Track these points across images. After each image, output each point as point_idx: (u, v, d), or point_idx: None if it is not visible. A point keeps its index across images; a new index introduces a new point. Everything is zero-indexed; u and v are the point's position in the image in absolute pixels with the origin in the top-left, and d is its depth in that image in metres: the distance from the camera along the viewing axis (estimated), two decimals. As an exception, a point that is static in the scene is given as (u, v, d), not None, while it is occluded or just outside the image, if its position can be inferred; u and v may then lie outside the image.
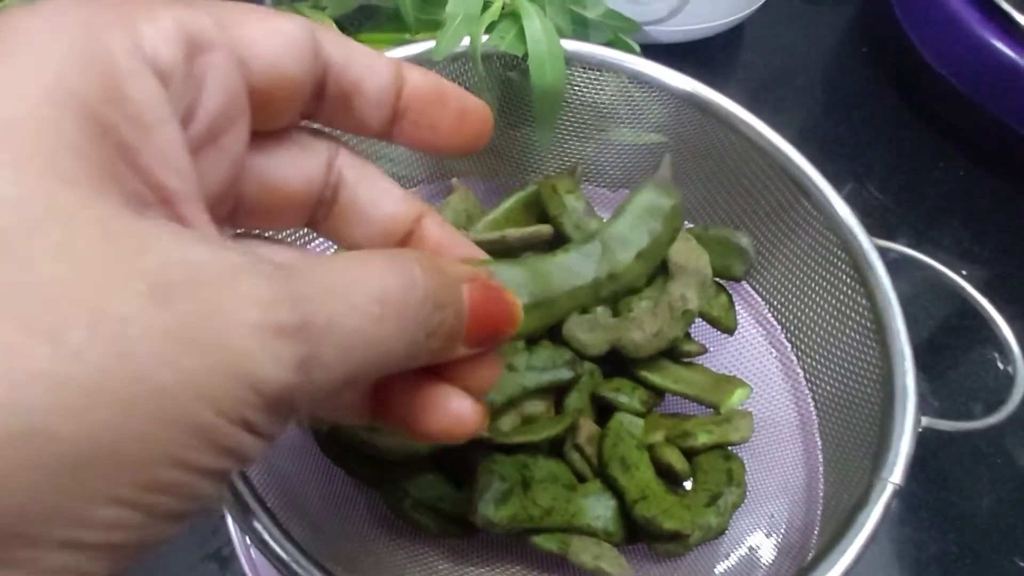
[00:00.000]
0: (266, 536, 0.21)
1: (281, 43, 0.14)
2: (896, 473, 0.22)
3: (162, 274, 0.10)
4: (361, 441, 0.26)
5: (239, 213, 0.15)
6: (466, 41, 0.32)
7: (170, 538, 0.11)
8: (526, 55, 0.31)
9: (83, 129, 0.10)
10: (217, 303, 0.10)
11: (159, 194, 0.12)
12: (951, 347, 0.42)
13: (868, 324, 0.27)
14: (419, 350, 0.13)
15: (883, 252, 0.29)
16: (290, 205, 0.16)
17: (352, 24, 0.41)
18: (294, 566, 0.21)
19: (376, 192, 0.17)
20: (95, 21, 0.11)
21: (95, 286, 0.09)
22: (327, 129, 0.17)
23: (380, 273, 0.13)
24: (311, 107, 0.15)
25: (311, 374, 0.11)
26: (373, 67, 0.15)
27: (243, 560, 0.31)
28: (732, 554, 0.28)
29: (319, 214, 0.17)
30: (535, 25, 0.31)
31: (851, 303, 0.28)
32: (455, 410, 0.15)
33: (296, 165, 0.16)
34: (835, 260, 0.29)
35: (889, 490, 0.22)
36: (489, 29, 0.32)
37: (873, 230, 0.47)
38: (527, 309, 0.17)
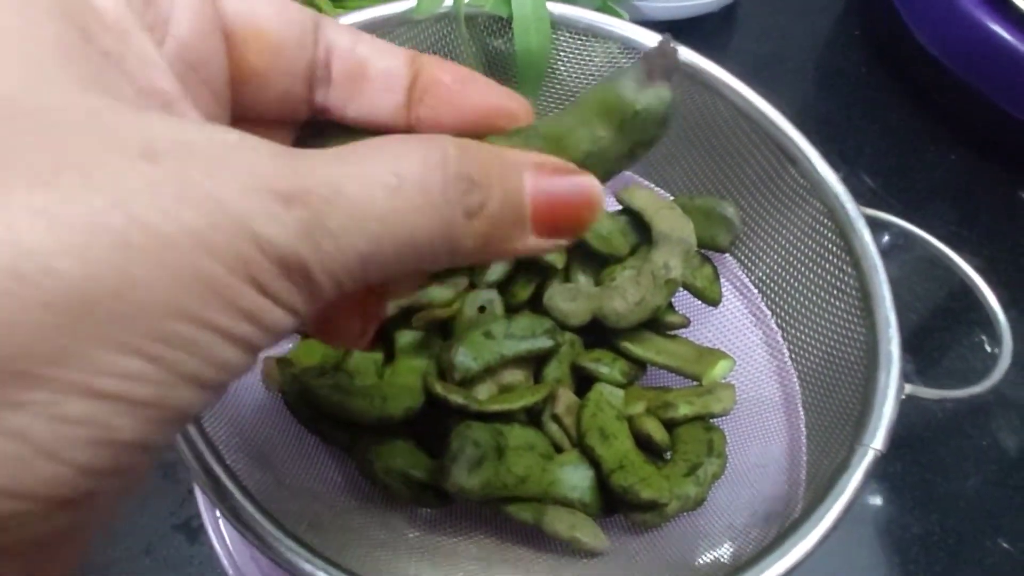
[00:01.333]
0: (231, 488, 0.20)
1: (263, 1, 0.14)
2: (878, 439, 0.22)
3: (155, 143, 0.10)
4: (334, 404, 0.26)
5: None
6: (449, 1, 0.31)
7: (197, 408, 0.10)
8: (511, 17, 0.31)
9: (66, 36, 0.10)
10: (211, 167, 0.10)
11: (156, 98, 0.12)
12: (940, 329, 0.42)
13: (853, 292, 0.27)
14: (458, 231, 0.12)
15: (875, 230, 0.28)
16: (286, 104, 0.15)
17: (336, -10, 0.40)
18: (253, 525, 0.20)
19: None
20: None
21: (88, 148, 0.09)
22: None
23: (395, 147, 0.12)
24: (320, 93, 0.15)
25: (320, 243, 0.11)
26: (384, 51, 0.15)
27: (211, 531, 0.30)
28: (713, 526, 0.27)
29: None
30: (520, -14, 0.30)
31: (836, 271, 0.28)
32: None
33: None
34: (821, 228, 0.29)
35: (870, 455, 0.22)
36: (473, -11, 0.31)
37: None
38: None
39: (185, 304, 0.10)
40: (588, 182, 0.14)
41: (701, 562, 0.26)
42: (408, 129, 0.16)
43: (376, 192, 0.11)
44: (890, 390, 0.23)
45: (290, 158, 0.11)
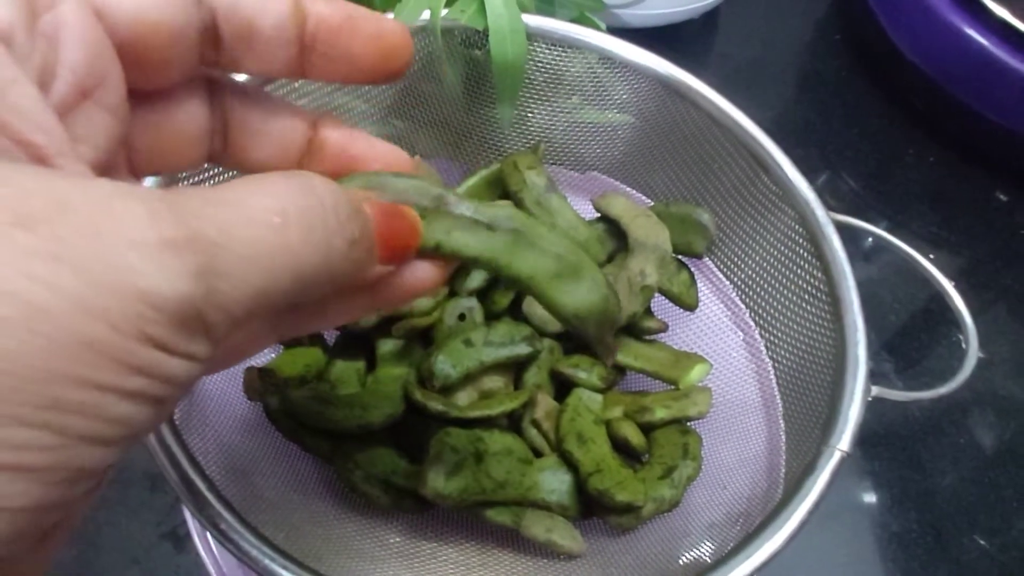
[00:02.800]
0: (210, 498, 0.21)
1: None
2: (844, 440, 0.22)
3: (25, 204, 0.09)
4: (314, 413, 0.26)
5: (134, 162, 0.15)
6: (426, 15, 0.31)
7: (102, 463, 0.10)
8: (487, 29, 0.31)
9: None
10: (90, 224, 0.10)
11: (29, 152, 0.11)
12: (918, 331, 0.43)
13: (824, 297, 0.27)
14: (341, 260, 0.13)
15: (854, 237, 0.29)
16: (185, 146, 0.16)
17: (319, 3, 0.41)
18: (231, 534, 0.20)
19: (264, 109, 0.17)
20: None
21: None
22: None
23: (276, 186, 0.12)
24: (209, 55, 0.15)
25: (215, 284, 0.11)
26: (265, 3, 0.15)
27: (197, 540, 0.31)
28: (690, 527, 0.28)
29: (216, 145, 0.16)
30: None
31: (808, 276, 0.28)
32: (419, 275, 0.16)
33: (184, 109, 0.16)
34: (793, 235, 0.29)
35: (836, 457, 0.22)
36: (450, 3, 0.32)
37: (845, 216, 0.48)
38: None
39: (67, 369, 0.09)
40: (410, 211, 0.16)
41: (679, 563, 0.26)
42: (300, 76, 0.16)
43: (263, 232, 0.12)
44: (856, 393, 0.23)
45: (172, 203, 0.11)
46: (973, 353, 0.26)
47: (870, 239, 0.49)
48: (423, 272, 0.16)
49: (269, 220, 0.12)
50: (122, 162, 0.15)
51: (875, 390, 0.24)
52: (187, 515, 0.31)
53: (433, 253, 0.17)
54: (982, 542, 0.35)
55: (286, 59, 0.15)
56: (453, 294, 0.31)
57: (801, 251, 0.29)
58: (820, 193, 0.49)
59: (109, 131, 0.13)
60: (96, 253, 0.10)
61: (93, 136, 0.13)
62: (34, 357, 0.09)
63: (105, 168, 0.14)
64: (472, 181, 0.34)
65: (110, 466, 0.11)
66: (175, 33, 0.14)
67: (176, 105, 0.16)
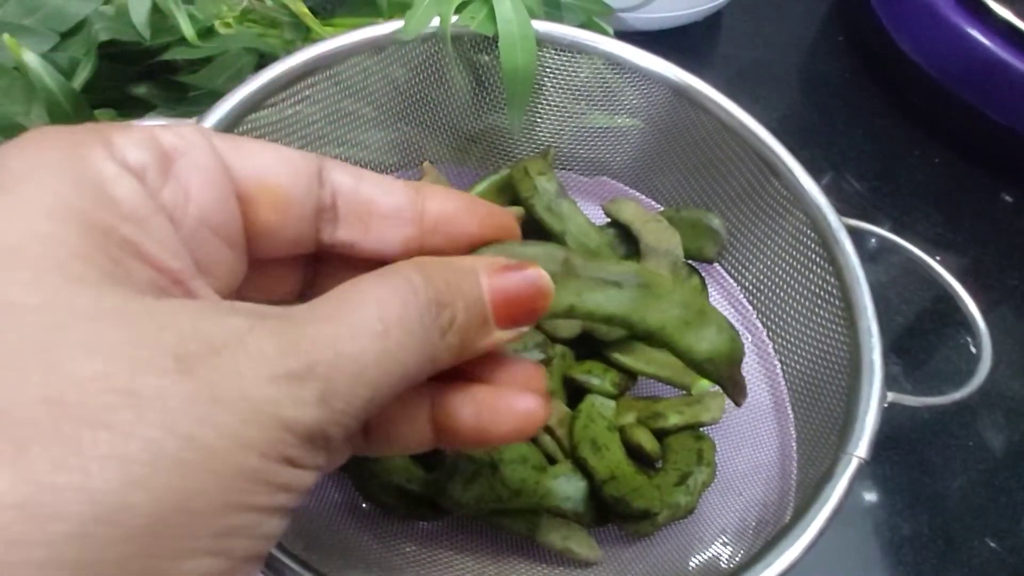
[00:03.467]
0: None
1: (274, 160, 0.15)
2: (861, 447, 0.22)
3: (181, 346, 0.11)
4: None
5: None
6: (436, 21, 0.31)
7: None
8: (496, 36, 0.31)
9: (86, 235, 0.12)
10: (234, 365, 0.11)
11: (169, 276, 0.13)
12: (926, 332, 0.43)
13: (837, 302, 0.27)
14: (437, 351, 0.14)
15: (860, 238, 0.29)
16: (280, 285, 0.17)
17: (325, 9, 0.41)
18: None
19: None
20: (76, 142, 0.13)
21: (129, 371, 0.10)
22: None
23: (374, 291, 0.13)
24: (327, 232, 0.16)
25: (333, 406, 0.12)
26: (388, 188, 0.16)
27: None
28: (705, 533, 0.28)
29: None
30: (506, 5, 0.31)
31: (820, 281, 0.28)
32: (522, 408, 0.16)
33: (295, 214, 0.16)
34: (805, 239, 0.29)
35: (854, 464, 0.22)
36: (459, 9, 0.32)
37: (850, 216, 0.48)
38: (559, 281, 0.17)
39: (233, 498, 0.11)
40: (537, 273, 0.16)
41: (692, 569, 0.27)
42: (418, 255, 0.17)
43: (367, 343, 0.13)
44: (873, 399, 0.23)
45: (291, 332, 0.12)
46: (987, 357, 0.26)
47: (874, 240, 0.49)
48: (524, 404, 0.16)
49: (373, 329, 0.13)
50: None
51: (890, 396, 0.24)
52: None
53: (567, 314, 0.17)
54: (993, 544, 0.35)
55: (403, 239, 0.16)
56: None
57: (813, 255, 0.29)
58: (825, 191, 0.49)
59: (231, 265, 0.15)
60: (242, 391, 0.11)
61: (216, 266, 0.14)
62: (213, 494, 0.11)
63: (228, 295, 0.15)
64: (482, 187, 0.34)
65: None
66: (290, 197, 0.15)
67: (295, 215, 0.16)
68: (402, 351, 0.13)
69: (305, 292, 0.18)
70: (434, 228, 0.16)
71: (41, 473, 0.09)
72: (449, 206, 0.17)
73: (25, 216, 0.11)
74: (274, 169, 0.15)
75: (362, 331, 0.13)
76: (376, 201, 0.16)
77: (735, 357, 0.19)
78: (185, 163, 0.14)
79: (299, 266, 0.18)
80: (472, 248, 0.17)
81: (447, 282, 0.14)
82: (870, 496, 0.36)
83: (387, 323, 0.13)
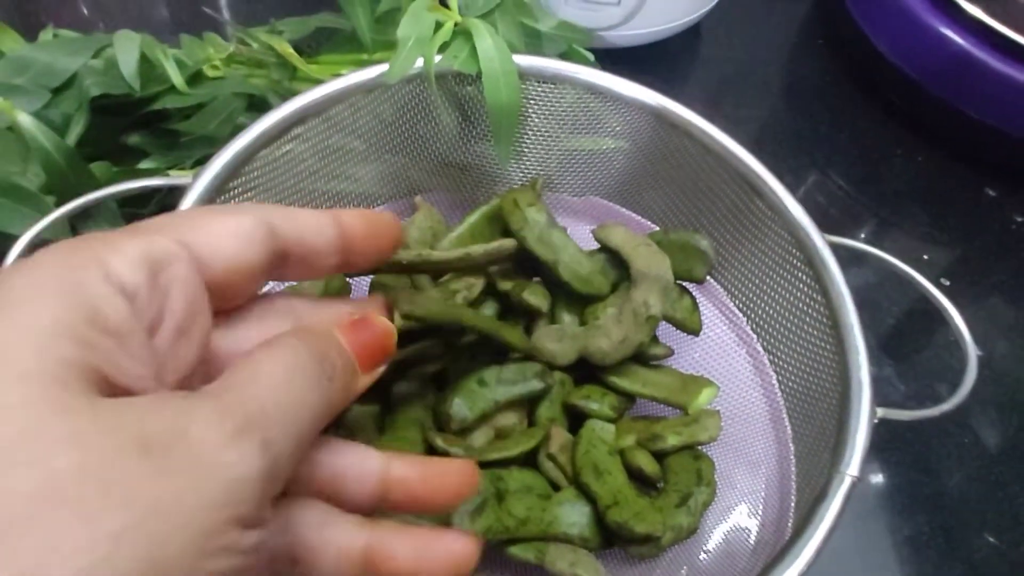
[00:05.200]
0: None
1: (236, 243, 0.17)
2: (853, 466, 0.23)
3: (143, 434, 0.13)
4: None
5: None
6: (420, 62, 0.32)
7: None
8: (480, 73, 0.32)
9: (72, 348, 0.13)
10: (183, 437, 0.13)
11: (137, 381, 0.15)
12: (916, 332, 0.43)
13: (825, 320, 0.28)
14: (330, 393, 0.17)
15: (843, 246, 0.30)
16: None
17: (309, 47, 0.42)
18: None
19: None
20: (72, 263, 0.14)
21: (101, 461, 0.12)
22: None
23: (270, 357, 0.16)
24: (277, 273, 0.18)
25: (272, 448, 0.14)
26: (320, 228, 0.19)
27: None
28: (707, 552, 0.28)
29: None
30: (487, 43, 0.32)
31: (808, 300, 0.29)
32: (450, 548, 0.18)
33: (257, 330, 0.19)
34: (791, 259, 0.30)
35: (847, 483, 0.23)
36: (442, 49, 0.32)
37: (837, 219, 0.49)
38: None
39: (197, 563, 0.12)
40: (381, 321, 0.19)
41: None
42: (346, 270, 0.21)
43: (281, 395, 0.15)
44: (862, 418, 0.24)
45: (226, 400, 0.14)
46: (972, 367, 0.27)
47: (863, 237, 0.50)
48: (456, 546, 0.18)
49: (280, 383, 0.15)
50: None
51: (880, 412, 0.25)
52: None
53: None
54: (992, 540, 0.36)
55: (336, 262, 0.19)
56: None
57: (799, 274, 0.30)
58: (811, 194, 0.50)
59: (191, 358, 0.17)
60: (196, 459, 0.13)
61: (179, 362, 0.16)
62: (181, 557, 0.12)
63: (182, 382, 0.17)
64: (473, 218, 0.35)
65: None
66: (256, 267, 0.17)
67: (257, 331, 0.19)
68: (307, 395, 0.16)
69: None
70: (351, 248, 0.19)
71: (23, 562, 0.11)
72: (360, 229, 0.19)
73: (24, 331, 0.13)
74: (240, 250, 0.17)
75: (273, 386, 0.15)
76: (314, 243, 0.18)
77: None
78: (167, 276, 0.16)
79: None
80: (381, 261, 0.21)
81: (317, 341, 0.17)
82: (870, 500, 0.37)
83: (290, 375, 0.16)
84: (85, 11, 0.55)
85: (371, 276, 0.34)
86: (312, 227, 0.18)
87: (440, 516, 0.27)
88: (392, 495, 0.19)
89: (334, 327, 0.18)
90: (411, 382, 0.30)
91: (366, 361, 0.19)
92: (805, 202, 0.30)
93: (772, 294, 0.32)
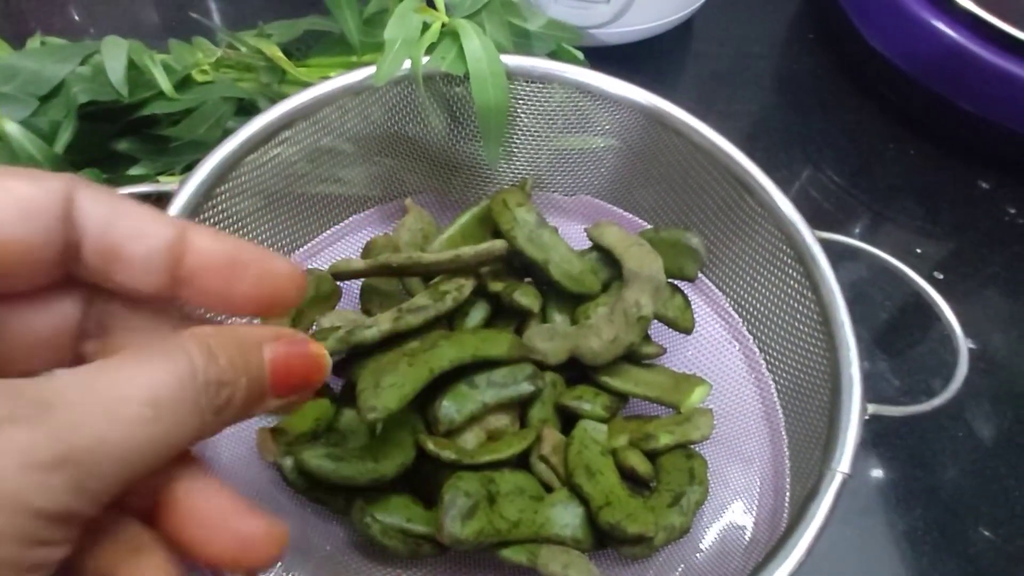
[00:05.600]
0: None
1: (15, 215, 0.14)
2: (844, 463, 0.23)
3: None
4: (328, 473, 0.27)
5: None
6: (408, 64, 0.32)
7: None
8: (468, 74, 0.32)
9: None
10: None
11: None
12: (910, 326, 0.43)
13: (815, 316, 0.28)
14: (208, 428, 0.14)
15: (833, 241, 0.29)
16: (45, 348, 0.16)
17: (299, 50, 0.41)
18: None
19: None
20: None
21: None
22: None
23: (150, 375, 0.13)
24: (72, 268, 0.15)
25: (87, 487, 0.12)
26: (143, 232, 0.15)
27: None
28: (701, 551, 0.28)
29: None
30: (474, 44, 0.32)
31: (799, 296, 0.29)
32: (244, 531, 0.15)
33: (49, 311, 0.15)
34: (782, 256, 0.30)
35: (838, 480, 0.23)
36: (429, 50, 0.32)
37: (830, 213, 0.49)
38: None
39: None
40: (319, 350, 0.16)
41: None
42: (172, 303, 0.16)
43: (135, 429, 0.12)
44: (852, 415, 0.24)
45: (48, 420, 0.12)
46: (963, 362, 0.27)
47: (857, 232, 0.49)
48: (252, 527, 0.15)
49: (141, 415, 0.13)
50: None
51: (871, 408, 0.25)
52: None
53: None
54: (987, 533, 0.36)
55: (154, 287, 0.15)
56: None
57: (790, 271, 0.30)
58: (804, 189, 0.50)
59: None
60: None
61: None
62: None
63: None
64: (464, 219, 0.35)
65: None
66: (32, 249, 0.14)
67: (40, 308, 0.15)
68: (171, 434, 0.13)
69: (92, 314, 0.16)
70: (190, 279, 0.15)
71: None
72: (214, 260, 0.15)
73: None
74: (8, 222, 0.14)
75: (128, 417, 0.12)
76: (125, 246, 0.15)
77: None
78: None
79: (72, 297, 0.16)
80: (236, 312, 0.16)
81: (231, 360, 0.14)
82: (865, 495, 0.37)
83: (159, 408, 0.13)
84: (76, 17, 0.55)
85: (361, 280, 0.34)
86: (131, 222, 0.15)
87: (430, 516, 0.27)
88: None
89: (267, 338, 0.15)
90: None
91: (284, 385, 0.15)
92: (798, 197, 0.30)
93: (763, 291, 0.31)
